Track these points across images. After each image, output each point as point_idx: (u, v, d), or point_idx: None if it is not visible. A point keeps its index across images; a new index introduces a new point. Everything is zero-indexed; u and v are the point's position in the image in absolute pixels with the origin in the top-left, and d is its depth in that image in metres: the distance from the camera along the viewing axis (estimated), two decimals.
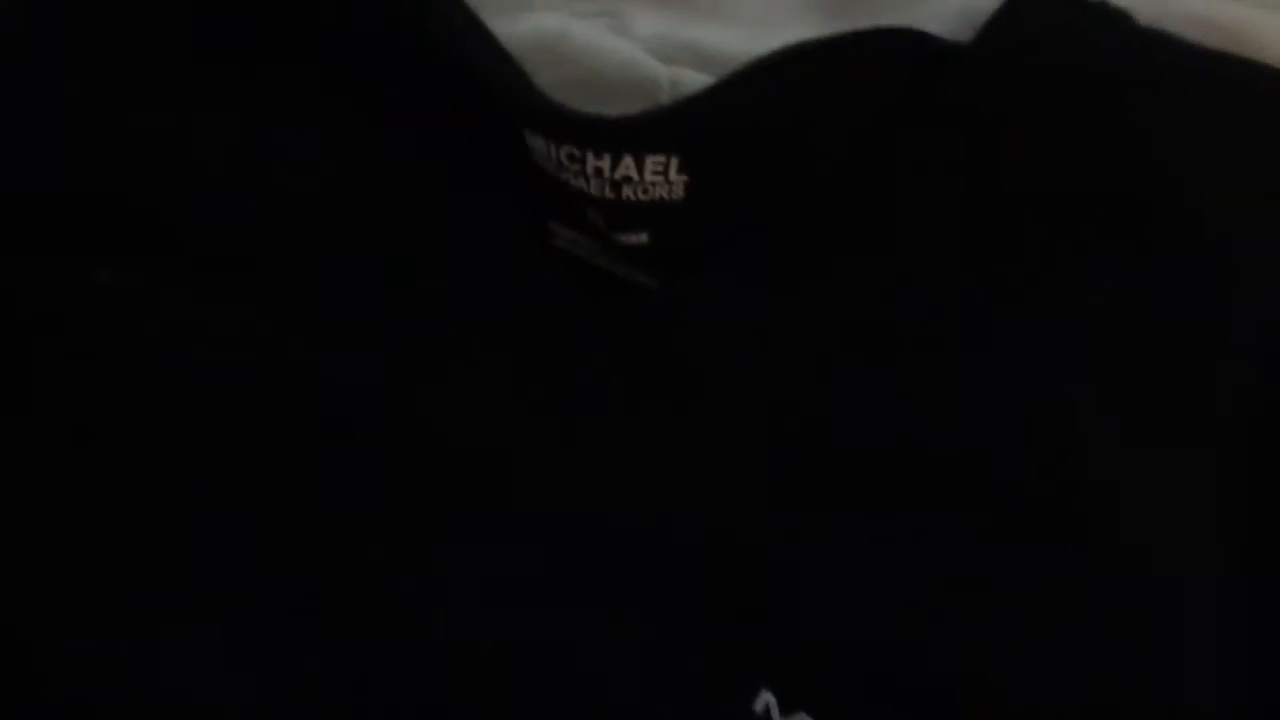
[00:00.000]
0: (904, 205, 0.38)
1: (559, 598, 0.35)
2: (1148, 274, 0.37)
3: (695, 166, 0.37)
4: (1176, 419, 0.36)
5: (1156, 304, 0.37)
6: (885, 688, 0.34)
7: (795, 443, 0.36)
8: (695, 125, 0.37)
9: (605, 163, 0.37)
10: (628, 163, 0.37)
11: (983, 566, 0.35)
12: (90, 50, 0.38)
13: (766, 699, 0.33)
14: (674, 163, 0.37)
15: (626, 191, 0.37)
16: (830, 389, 0.37)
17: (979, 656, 0.34)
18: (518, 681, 0.35)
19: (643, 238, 0.38)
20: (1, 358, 0.37)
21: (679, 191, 0.38)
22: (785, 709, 0.33)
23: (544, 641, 0.35)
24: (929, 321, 0.37)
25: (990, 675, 0.34)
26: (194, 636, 0.34)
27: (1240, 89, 0.39)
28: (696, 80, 0.40)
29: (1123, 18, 0.39)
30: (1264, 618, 0.36)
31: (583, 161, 0.37)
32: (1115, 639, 0.35)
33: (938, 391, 0.37)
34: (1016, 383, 0.37)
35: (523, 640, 0.35)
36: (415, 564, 0.35)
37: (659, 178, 0.37)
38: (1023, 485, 0.36)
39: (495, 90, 0.38)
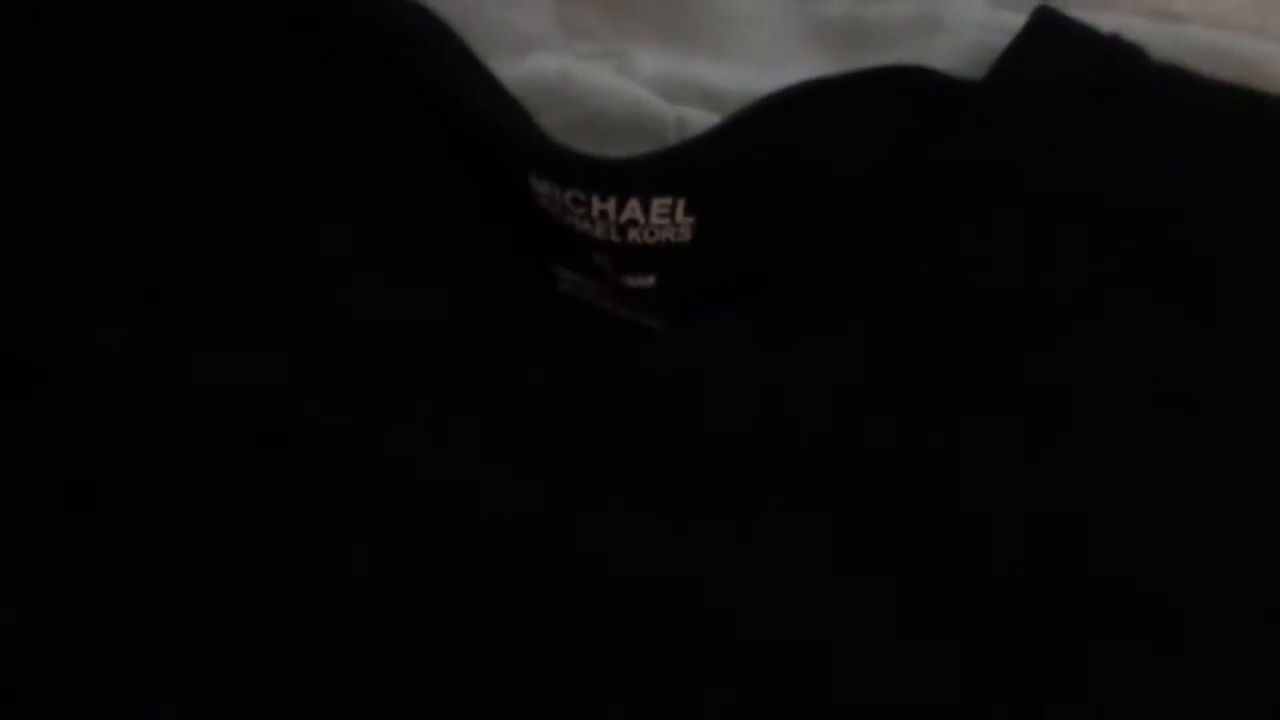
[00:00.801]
0: (916, 248, 0.37)
1: (555, 652, 0.34)
2: (1171, 315, 0.36)
3: (702, 208, 0.36)
4: (1215, 474, 0.35)
5: (1184, 350, 0.36)
6: None
7: (803, 496, 0.36)
8: (701, 166, 0.36)
9: (610, 205, 0.36)
10: (633, 205, 0.36)
11: (1007, 639, 0.34)
12: (102, 107, 0.37)
13: None
14: (680, 204, 0.36)
15: (632, 234, 0.37)
16: (840, 439, 0.36)
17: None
18: None
19: (649, 281, 0.38)
20: (30, 410, 0.36)
21: (686, 234, 0.37)
22: None
23: (535, 698, 0.34)
24: (944, 369, 0.36)
25: None
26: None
27: (1256, 123, 0.38)
28: (703, 119, 0.39)
29: (1136, 53, 0.38)
30: None
31: (588, 204, 0.36)
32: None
33: (952, 444, 0.36)
34: (1038, 435, 0.36)
35: (513, 693, 0.34)
36: (412, 612, 0.35)
37: (665, 220, 0.36)
38: (1044, 545, 0.35)
39: (499, 134, 0.37)
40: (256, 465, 0.35)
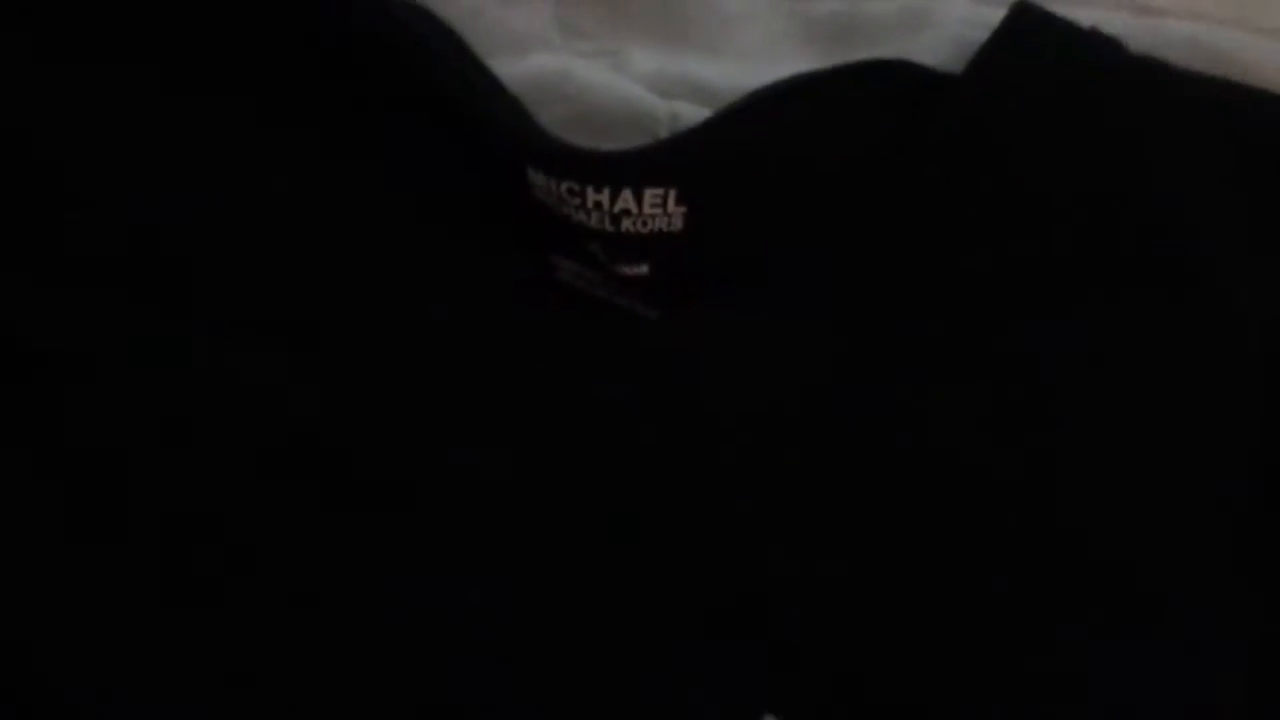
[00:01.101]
0: (901, 236, 0.38)
1: (559, 627, 0.36)
2: (1145, 299, 0.38)
3: (693, 198, 0.38)
4: (1186, 456, 0.37)
5: (1156, 331, 0.38)
6: (887, 712, 0.34)
7: (794, 473, 0.37)
8: (692, 158, 0.38)
9: (604, 196, 0.37)
10: (626, 196, 0.37)
11: (982, 597, 0.36)
12: (97, 96, 0.39)
13: None
14: (672, 195, 0.38)
15: (626, 224, 0.38)
16: (829, 419, 0.37)
17: (976, 686, 0.35)
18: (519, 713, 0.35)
19: (643, 269, 0.39)
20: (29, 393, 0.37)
21: (677, 223, 0.38)
22: None
23: (543, 674, 0.35)
24: (929, 352, 0.38)
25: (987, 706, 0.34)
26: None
27: (1232, 114, 0.39)
28: (695, 114, 0.41)
29: (1115, 46, 0.40)
30: None
31: (583, 195, 0.37)
32: (1130, 676, 0.35)
33: (938, 422, 0.37)
34: (1018, 413, 0.37)
35: (522, 673, 0.35)
36: (420, 601, 0.36)
37: (657, 210, 0.38)
38: (1025, 520, 0.36)
39: (497, 127, 0.38)
40: (257, 458, 0.36)
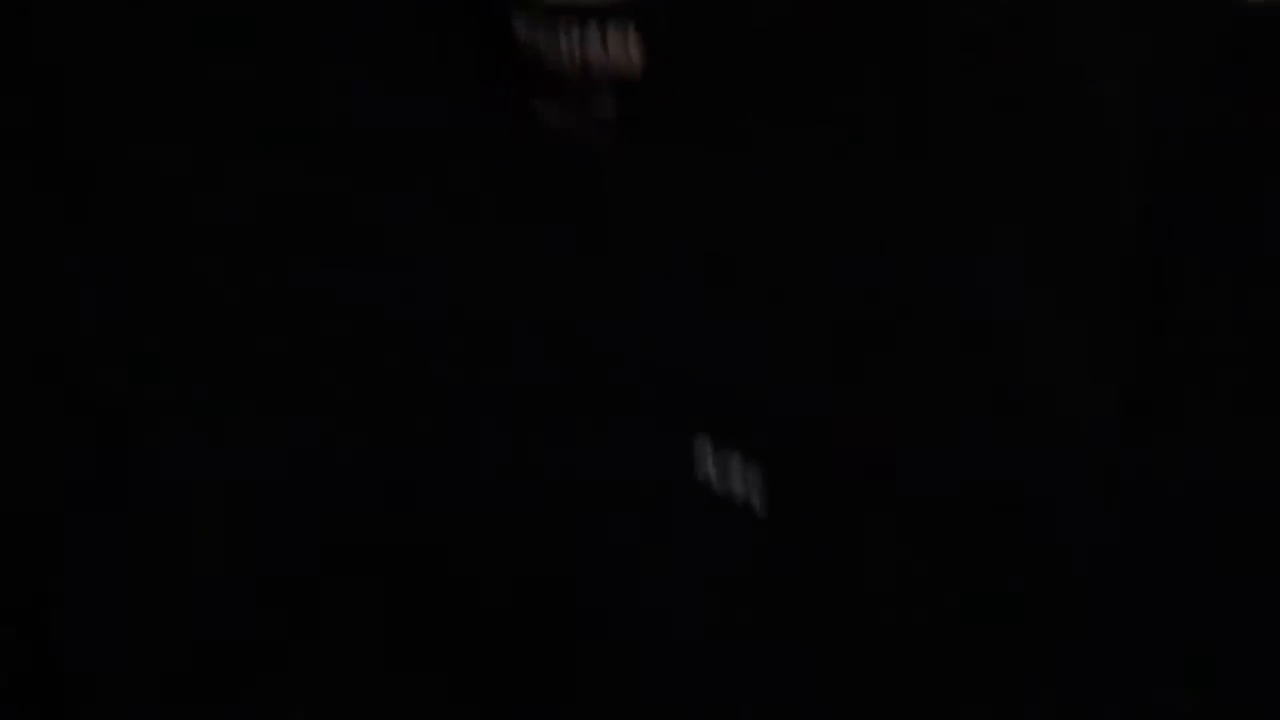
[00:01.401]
0: (833, 76, 0.45)
1: (509, 399, 0.42)
2: (1038, 117, 0.45)
3: (650, 41, 0.45)
4: (1064, 251, 0.44)
5: (1046, 139, 0.45)
6: (806, 444, 0.41)
7: (730, 270, 0.44)
8: (648, 2, 0.45)
9: (574, 37, 0.44)
10: (593, 37, 0.44)
11: (882, 357, 0.42)
12: None
13: (703, 443, 0.40)
14: (631, 36, 0.45)
15: (595, 68, 0.45)
16: (763, 232, 0.44)
17: (871, 413, 0.41)
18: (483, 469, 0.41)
19: (610, 109, 0.46)
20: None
21: (637, 64, 0.45)
22: (719, 449, 0.40)
23: (490, 435, 0.42)
24: (854, 179, 0.44)
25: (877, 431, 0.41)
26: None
27: None
28: None
29: None
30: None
31: (556, 37, 0.44)
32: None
33: (861, 239, 0.44)
34: (931, 228, 0.44)
35: (474, 436, 0.42)
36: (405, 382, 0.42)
37: (620, 51, 0.45)
38: (926, 301, 0.43)
39: None
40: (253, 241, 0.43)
